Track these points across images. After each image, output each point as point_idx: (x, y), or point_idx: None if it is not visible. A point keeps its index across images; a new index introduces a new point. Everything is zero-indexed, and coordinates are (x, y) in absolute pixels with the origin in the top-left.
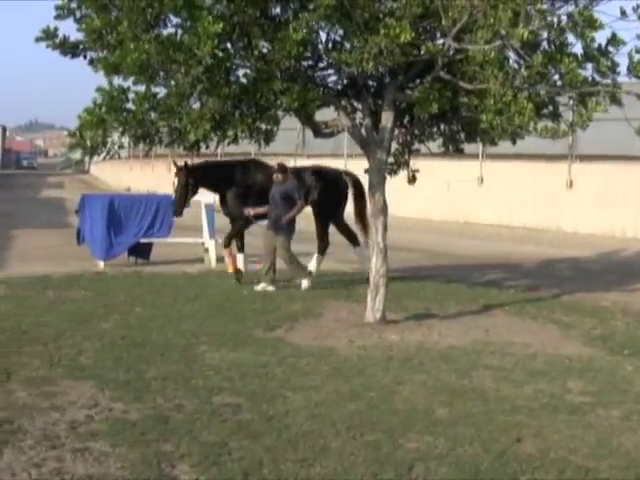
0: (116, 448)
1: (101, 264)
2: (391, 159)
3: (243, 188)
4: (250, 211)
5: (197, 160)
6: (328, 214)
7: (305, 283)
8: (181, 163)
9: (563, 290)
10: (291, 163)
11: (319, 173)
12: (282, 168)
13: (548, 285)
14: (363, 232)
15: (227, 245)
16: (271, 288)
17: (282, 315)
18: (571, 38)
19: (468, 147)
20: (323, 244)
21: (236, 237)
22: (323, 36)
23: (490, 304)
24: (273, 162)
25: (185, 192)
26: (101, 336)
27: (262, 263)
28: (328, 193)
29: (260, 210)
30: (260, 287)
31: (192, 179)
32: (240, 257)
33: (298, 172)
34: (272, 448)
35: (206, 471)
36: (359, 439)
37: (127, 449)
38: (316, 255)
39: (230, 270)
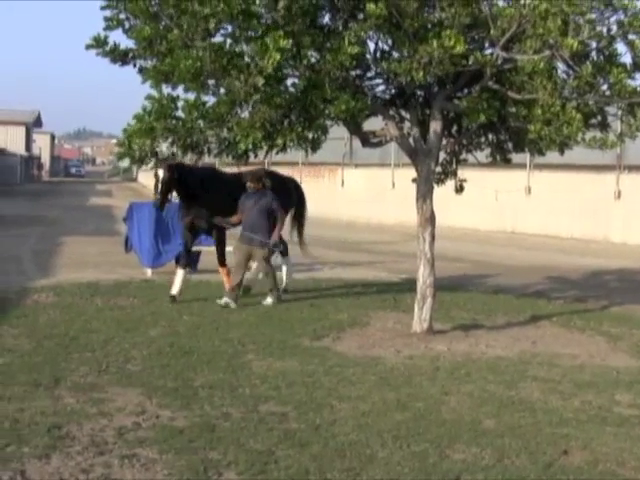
0: (163, 455)
1: (149, 272)
2: (439, 169)
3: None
4: (221, 221)
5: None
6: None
7: (270, 300)
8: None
9: (611, 301)
10: (338, 172)
11: (276, 177)
12: (257, 176)
13: (596, 296)
14: (300, 240)
15: (224, 264)
16: (233, 305)
17: (329, 324)
18: (620, 48)
19: (515, 157)
20: (284, 246)
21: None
22: (372, 45)
23: (537, 315)
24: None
25: (168, 188)
26: (149, 343)
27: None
28: (285, 198)
29: (234, 220)
30: (222, 302)
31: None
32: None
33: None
34: (319, 457)
35: (253, 479)
36: (406, 449)
37: (174, 456)
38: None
39: (229, 286)
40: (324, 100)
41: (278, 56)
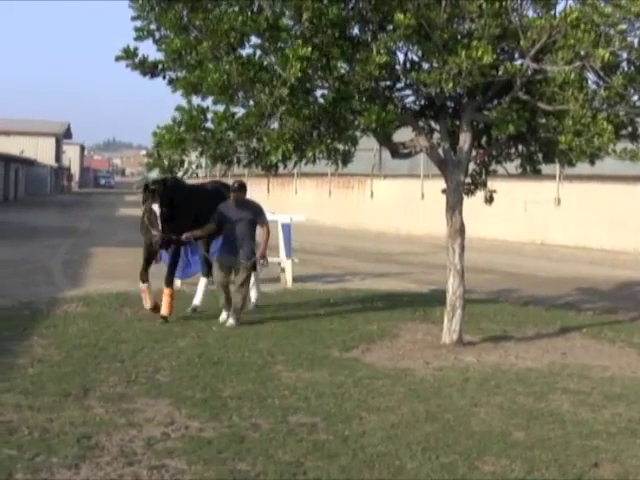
0: (192, 466)
1: (178, 282)
2: (468, 180)
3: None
4: (189, 235)
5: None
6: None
7: (232, 321)
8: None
9: None
10: (368, 183)
11: (228, 187)
12: (243, 186)
13: (626, 308)
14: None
15: (172, 284)
16: (232, 322)
17: (358, 335)
18: None
19: (545, 168)
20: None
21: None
22: (401, 56)
23: (567, 327)
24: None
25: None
26: (178, 354)
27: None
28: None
29: (198, 233)
30: (225, 320)
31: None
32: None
33: (218, 187)
34: (348, 468)
35: None
36: (435, 461)
37: (203, 467)
38: (205, 280)
39: (166, 311)
40: (353, 111)
41: (298, 65)
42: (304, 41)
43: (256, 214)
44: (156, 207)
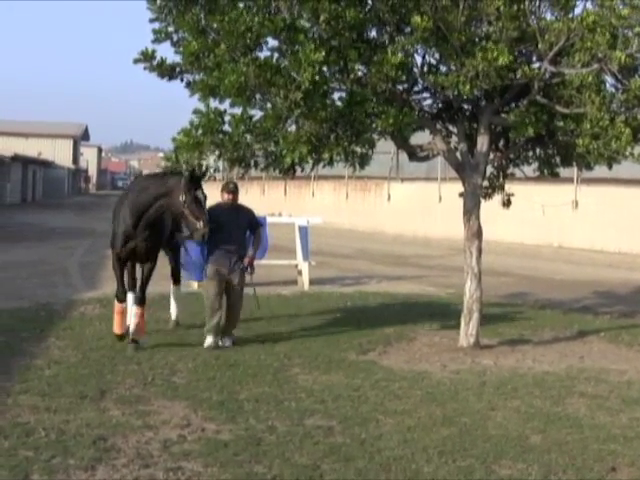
0: (208, 468)
1: (195, 285)
2: (486, 183)
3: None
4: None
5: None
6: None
7: (229, 342)
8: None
9: None
10: (385, 186)
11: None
12: (237, 188)
13: None
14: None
15: (123, 300)
16: (229, 343)
17: (375, 338)
18: None
19: (563, 171)
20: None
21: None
22: (419, 59)
23: (585, 330)
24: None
25: None
26: (194, 356)
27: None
28: None
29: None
30: (213, 344)
31: None
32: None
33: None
34: (364, 471)
35: None
36: (451, 464)
37: (219, 469)
38: (174, 288)
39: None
40: (370, 114)
41: (311, 69)
42: (318, 45)
43: (252, 217)
44: (201, 194)
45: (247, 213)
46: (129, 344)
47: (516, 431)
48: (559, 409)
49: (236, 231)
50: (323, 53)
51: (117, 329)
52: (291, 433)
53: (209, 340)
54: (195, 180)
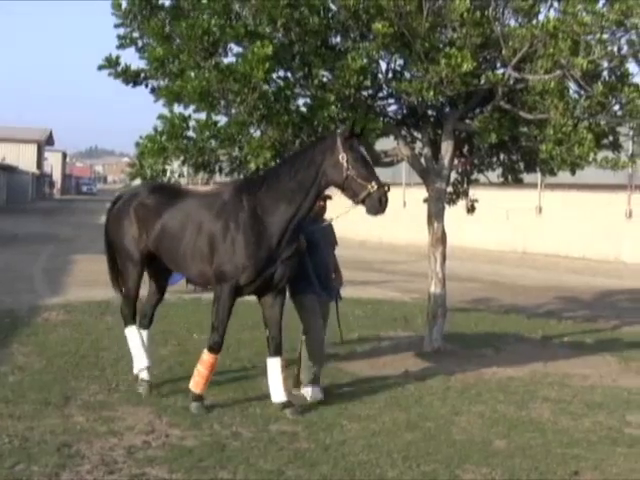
0: (173, 474)
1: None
2: (450, 188)
3: None
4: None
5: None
6: None
7: (319, 390)
8: None
9: (622, 322)
10: None
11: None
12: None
13: (607, 317)
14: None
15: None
16: (319, 394)
17: (339, 344)
18: (632, 68)
19: (527, 176)
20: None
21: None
22: (383, 66)
23: (549, 335)
24: None
25: None
26: (159, 362)
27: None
28: None
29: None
30: (308, 394)
31: None
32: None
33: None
34: (328, 477)
35: None
36: (415, 469)
37: (184, 475)
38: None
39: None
40: (333, 119)
41: (262, 66)
42: (265, 41)
43: (333, 232)
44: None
45: (330, 227)
46: (287, 409)
47: (480, 436)
48: (523, 414)
49: (328, 253)
50: (271, 48)
51: (202, 387)
52: (256, 439)
53: (317, 392)
54: (356, 135)
